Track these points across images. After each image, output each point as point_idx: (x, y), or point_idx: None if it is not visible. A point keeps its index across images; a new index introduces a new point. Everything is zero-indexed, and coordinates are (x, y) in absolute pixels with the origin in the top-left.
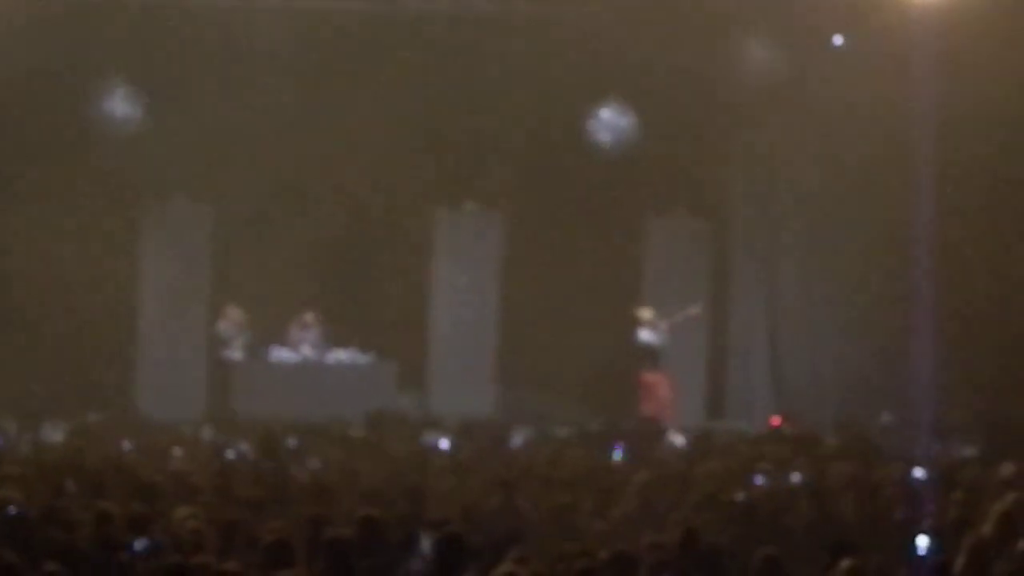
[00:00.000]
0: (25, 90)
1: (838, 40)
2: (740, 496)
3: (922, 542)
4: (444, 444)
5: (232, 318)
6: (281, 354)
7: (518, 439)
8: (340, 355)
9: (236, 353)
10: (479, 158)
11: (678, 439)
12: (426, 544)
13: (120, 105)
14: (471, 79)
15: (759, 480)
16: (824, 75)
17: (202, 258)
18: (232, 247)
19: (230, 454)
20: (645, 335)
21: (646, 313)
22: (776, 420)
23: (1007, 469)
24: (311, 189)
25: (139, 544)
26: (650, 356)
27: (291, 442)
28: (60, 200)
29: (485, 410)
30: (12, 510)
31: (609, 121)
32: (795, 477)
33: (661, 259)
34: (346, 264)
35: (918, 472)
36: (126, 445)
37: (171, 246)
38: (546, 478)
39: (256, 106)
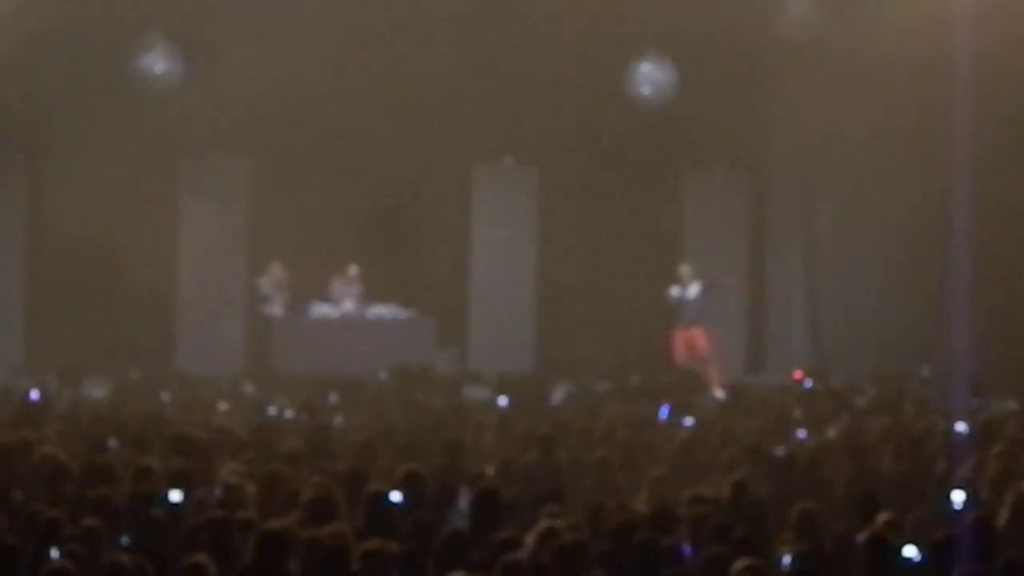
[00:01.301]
0: (63, 47)
1: None
2: (779, 450)
3: (958, 496)
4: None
5: (273, 275)
6: (321, 310)
7: (558, 394)
8: (380, 311)
9: (277, 309)
10: (517, 114)
11: (718, 393)
12: (465, 499)
13: (159, 61)
14: (509, 34)
15: (799, 434)
16: (863, 29)
17: (241, 214)
18: (271, 203)
19: (270, 410)
20: (676, 291)
21: (684, 270)
22: (798, 374)
23: None
24: (349, 146)
25: (175, 496)
26: (683, 312)
27: (331, 398)
28: (99, 156)
29: (524, 366)
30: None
31: (647, 75)
32: (833, 431)
33: (700, 213)
34: (385, 220)
35: (958, 426)
36: (166, 400)
37: (210, 201)
38: (585, 433)
39: (294, 62)
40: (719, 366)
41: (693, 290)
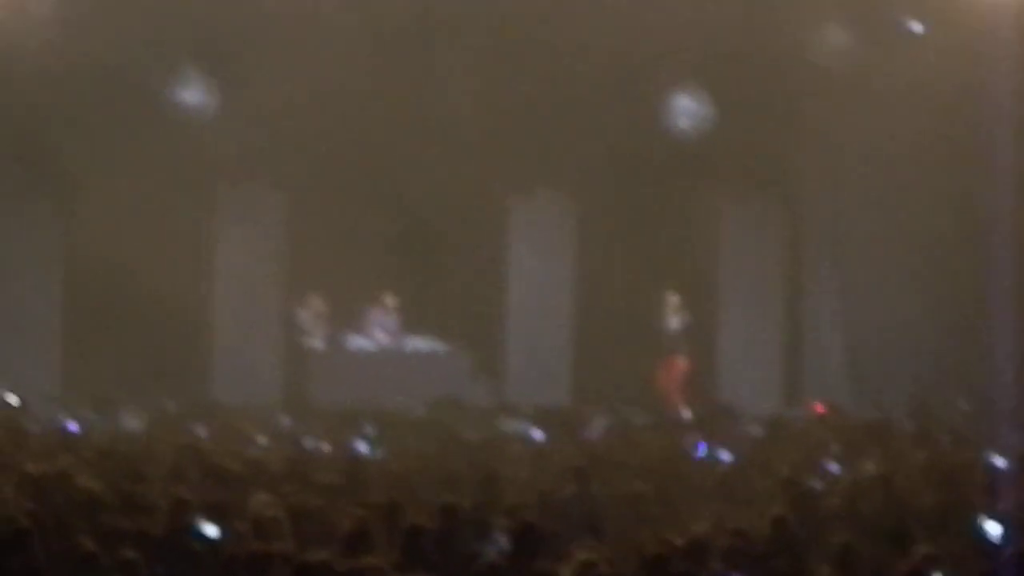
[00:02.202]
0: (99, 77)
1: (915, 26)
2: (815, 483)
3: (995, 530)
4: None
5: (312, 306)
6: (358, 342)
7: (595, 427)
8: (416, 343)
9: (316, 341)
10: (554, 145)
11: (753, 427)
12: (501, 532)
13: (194, 91)
14: (545, 65)
15: (834, 467)
16: (898, 56)
17: (276, 244)
18: (307, 233)
19: (306, 442)
20: (671, 321)
21: (673, 298)
22: (820, 408)
23: None
24: (385, 177)
25: (212, 529)
26: (672, 340)
27: (368, 430)
28: (135, 186)
29: (561, 398)
30: None
31: (683, 106)
32: (870, 464)
33: (735, 242)
34: (421, 252)
35: (997, 460)
36: (201, 432)
37: (246, 232)
38: (622, 465)
39: (329, 92)
40: (686, 393)
41: (680, 317)
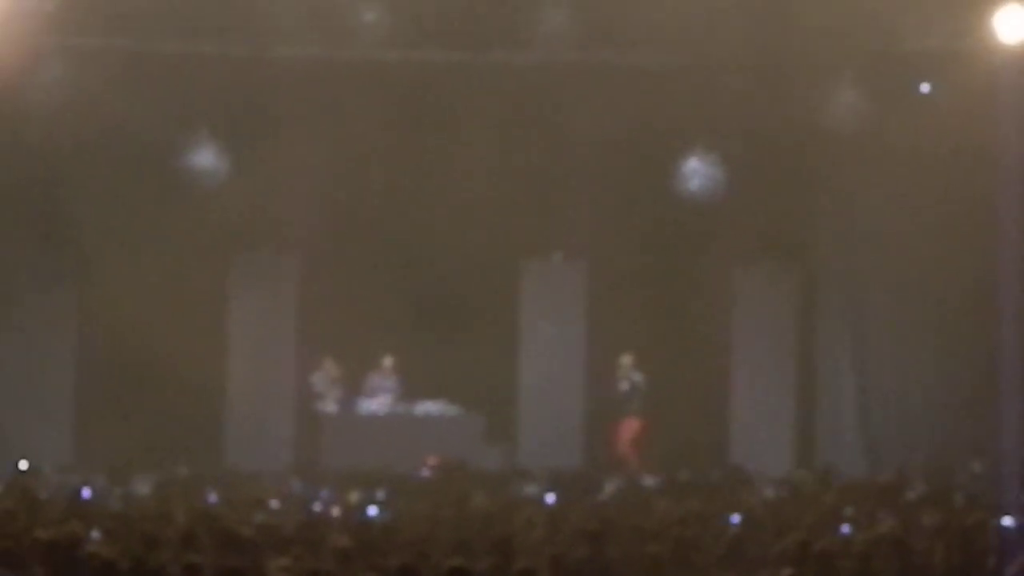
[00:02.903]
0: (113, 143)
1: (925, 87)
2: (829, 544)
3: None
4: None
5: (327, 371)
6: (370, 406)
7: (607, 490)
8: (428, 407)
9: (330, 406)
10: (565, 209)
11: (767, 489)
12: None
13: (206, 157)
14: (556, 129)
15: (846, 529)
16: (910, 120)
17: (290, 309)
18: (320, 298)
19: (317, 506)
20: (622, 383)
21: (626, 360)
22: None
23: None
24: (398, 242)
25: None
26: (620, 402)
27: (379, 494)
28: (148, 253)
29: (574, 462)
30: None
31: (694, 170)
32: (883, 525)
33: (747, 307)
34: (433, 316)
35: (1007, 520)
36: (213, 497)
37: (260, 297)
38: (636, 528)
39: (341, 158)
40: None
41: (632, 380)
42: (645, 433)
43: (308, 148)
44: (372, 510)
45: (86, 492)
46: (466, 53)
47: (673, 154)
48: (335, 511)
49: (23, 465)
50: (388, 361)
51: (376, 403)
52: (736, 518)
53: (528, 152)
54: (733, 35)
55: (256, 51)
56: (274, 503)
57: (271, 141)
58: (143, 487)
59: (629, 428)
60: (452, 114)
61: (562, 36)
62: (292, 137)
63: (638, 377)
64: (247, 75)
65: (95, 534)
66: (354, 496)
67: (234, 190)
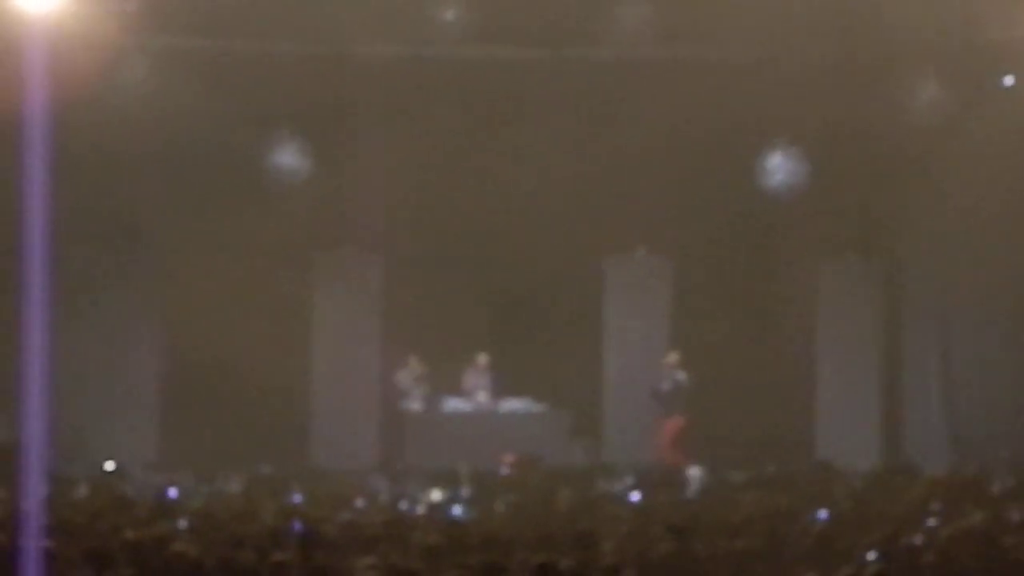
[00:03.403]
0: (194, 143)
1: (1009, 80)
2: (916, 539)
3: None
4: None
5: (412, 369)
6: (455, 404)
7: (693, 485)
8: (514, 404)
9: (415, 404)
10: (650, 205)
11: (853, 483)
12: None
13: (288, 156)
14: (638, 125)
15: (932, 522)
16: (996, 116)
17: (373, 307)
18: (403, 296)
19: (402, 504)
20: (664, 383)
21: (671, 358)
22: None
23: None
24: (481, 239)
25: None
26: (663, 401)
27: (465, 491)
28: (230, 251)
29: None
30: None
31: (780, 164)
32: (970, 519)
33: (833, 301)
34: (518, 313)
35: None
36: (299, 496)
37: (341, 296)
38: (721, 523)
39: (422, 156)
40: (677, 455)
41: (675, 379)
42: (687, 432)
43: (389, 146)
44: (457, 508)
45: (172, 491)
46: (545, 50)
47: (756, 149)
48: (420, 509)
49: (109, 466)
50: (483, 358)
51: (472, 401)
52: (823, 513)
53: (609, 148)
54: (813, 28)
55: (336, 50)
56: (359, 501)
57: (352, 139)
58: (228, 486)
59: (672, 427)
60: (533, 111)
61: (641, 32)
62: (373, 135)
63: (681, 376)
64: (328, 74)
65: (182, 533)
66: (439, 494)
67: (316, 188)
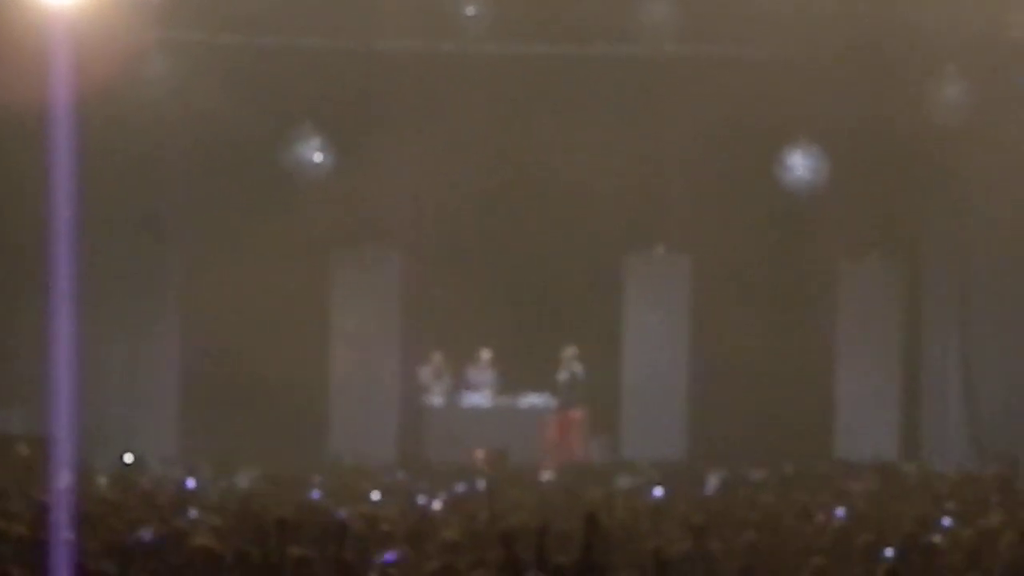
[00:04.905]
0: (216, 138)
1: None
2: (936, 538)
3: None
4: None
5: (434, 364)
6: (475, 399)
7: (711, 483)
8: (533, 399)
9: (437, 399)
10: (669, 202)
11: (873, 480)
12: None
13: (310, 152)
14: (659, 122)
15: (950, 522)
16: (1019, 115)
17: (392, 303)
18: (422, 292)
19: (420, 498)
20: (561, 375)
21: (568, 351)
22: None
23: None
24: (500, 235)
25: None
26: (563, 394)
27: (481, 486)
28: (250, 246)
29: (677, 454)
30: None
31: (800, 163)
32: (992, 518)
33: (853, 299)
34: (537, 309)
35: None
36: (317, 491)
37: (361, 291)
38: (740, 521)
39: (444, 152)
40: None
41: (572, 372)
42: (583, 425)
43: (411, 142)
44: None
45: (190, 483)
46: (569, 46)
47: (778, 147)
48: (438, 503)
49: (128, 458)
50: (485, 355)
51: (475, 396)
52: (841, 511)
53: (630, 145)
54: (838, 26)
55: (359, 45)
56: (376, 495)
57: (374, 135)
58: (247, 479)
59: (568, 421)
60: (555, 107)
61: (666, 29)
62: (395, 131)
63: (578, 368)
64: (350, 70)
65: (200, 526)
66: (458, 487)
67: (337, 185)
